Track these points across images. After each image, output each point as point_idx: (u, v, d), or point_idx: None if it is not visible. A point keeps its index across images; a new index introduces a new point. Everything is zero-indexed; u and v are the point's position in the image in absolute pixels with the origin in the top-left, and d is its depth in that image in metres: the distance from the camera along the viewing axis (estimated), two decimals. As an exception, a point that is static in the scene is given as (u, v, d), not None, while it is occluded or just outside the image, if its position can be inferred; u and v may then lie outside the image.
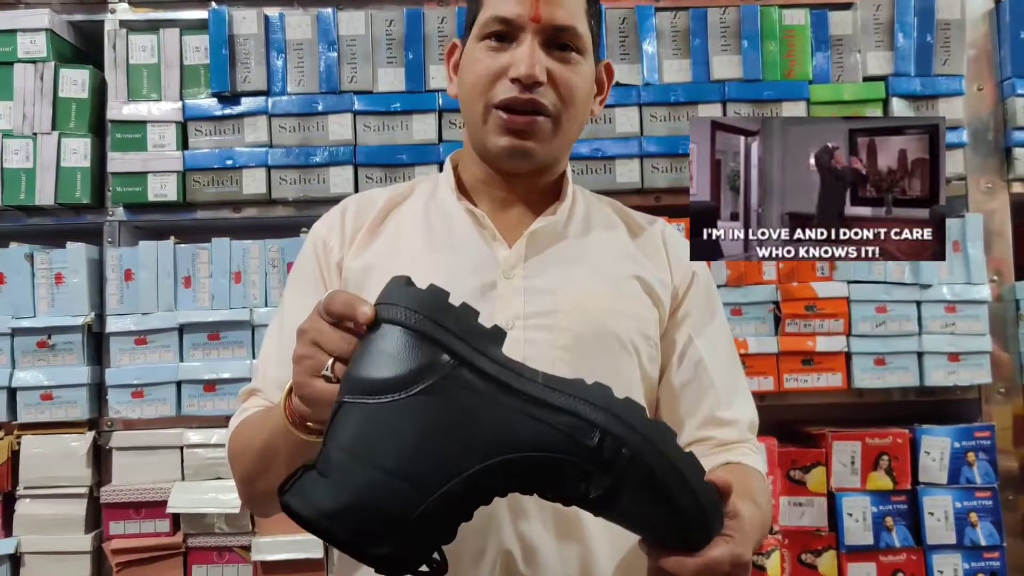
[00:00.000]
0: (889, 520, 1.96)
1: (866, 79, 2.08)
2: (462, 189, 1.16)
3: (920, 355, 2.02)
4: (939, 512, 1.96)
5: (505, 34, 1.07)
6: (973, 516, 1.96)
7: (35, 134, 2.04)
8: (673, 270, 1.17)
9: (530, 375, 0.77)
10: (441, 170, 1.23)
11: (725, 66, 2.06)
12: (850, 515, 1.95)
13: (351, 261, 1.11)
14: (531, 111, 1.06)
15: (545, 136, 1.08)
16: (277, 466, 0.93)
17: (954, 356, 2.02)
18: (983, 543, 1.95)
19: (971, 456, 1.98)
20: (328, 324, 0.80)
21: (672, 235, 1.22)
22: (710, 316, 1.18)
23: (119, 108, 2.06)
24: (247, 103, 2.05)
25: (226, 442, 1.09)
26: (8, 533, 1.98)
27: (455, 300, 0.78)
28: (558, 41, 1.07)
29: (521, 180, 1.14)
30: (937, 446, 1.98)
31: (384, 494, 0.72)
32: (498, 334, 0.79)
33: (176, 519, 1.97)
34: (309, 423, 0.87)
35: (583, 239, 1.15)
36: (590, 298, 1.08)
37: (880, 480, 1.97)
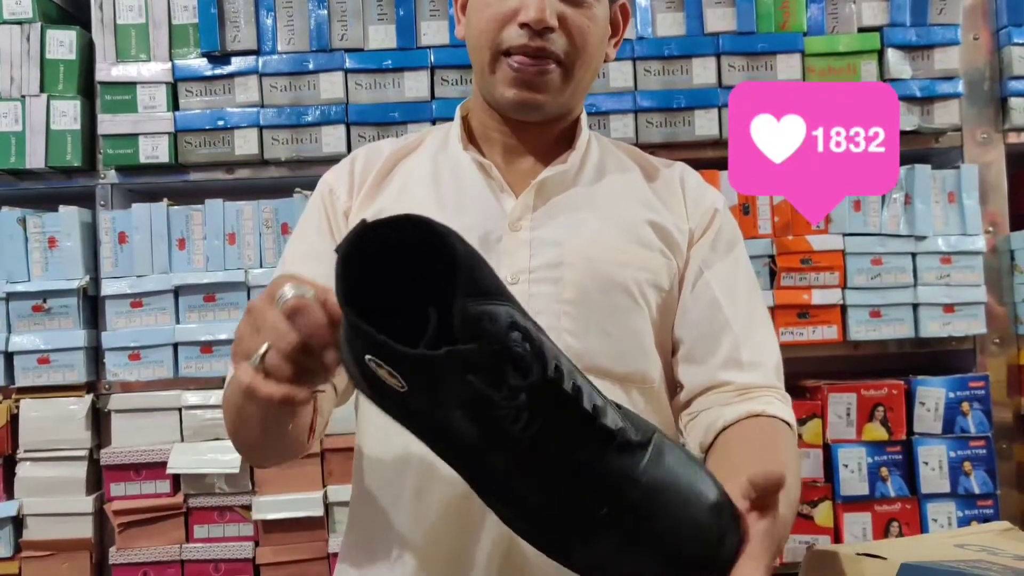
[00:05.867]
0: (884, 470, 1.98)
1: (861, 30, 2.06)
2: (472, 138, 1.13)
3: (915, 307, 2.03)
4: (933, 462, 1.98)
5: None
6: (967, 465, 1.98)
7: (23, 96, 2.01)
8: (690, 213, 1.12)
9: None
10: (434, 124, 1.21)
11: (719, 19, 2.04)
12: (846, 466, 1.97)
13: (358, 213, 1.07)
14: (541, 58, 1.01)
15: (555, 87, 1.04)
16: (249, 422, 0.90)
17: (949, 307, 2.03)
18: (977, 491, 1.97)
19: (965, 406, 1.99)
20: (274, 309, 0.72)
21: (691, 178, 1.17)
22: (726, 253, 1.12)
23: (108, 69, 2.04)
24: (237, 63, 2.03)
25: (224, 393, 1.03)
26: (9, 496, 1.99)
27: None
28: None
29: (532, 128, 1.10)
30: (932, 396, 2.00)
31: None
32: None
33: (176, 480, 1.99)
34: None
35: (594, 185, 1.11)
36: (598, 249, 1.04)
37: (875, 431, 1.99)
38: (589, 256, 1.04)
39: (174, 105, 2.04)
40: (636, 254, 1.06)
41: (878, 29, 2.06)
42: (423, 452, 0.99)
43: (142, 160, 2.03)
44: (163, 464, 1.95)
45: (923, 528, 1.98)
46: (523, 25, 1.00)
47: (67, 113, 2.02)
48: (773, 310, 1.99)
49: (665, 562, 0.69)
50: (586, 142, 1.13)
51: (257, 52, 2.04)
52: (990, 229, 2.07)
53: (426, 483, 1.00)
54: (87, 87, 2.08)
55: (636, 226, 1.08)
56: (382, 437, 1.05)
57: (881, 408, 1.99)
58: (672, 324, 1.09)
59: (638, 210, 1.10)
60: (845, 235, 2.01)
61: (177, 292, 2.01)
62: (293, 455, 1.03)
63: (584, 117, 1.15)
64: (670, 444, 0.72)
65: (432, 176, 1.10)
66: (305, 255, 1.08)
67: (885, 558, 0.78)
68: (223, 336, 1.98)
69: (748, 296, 1.11)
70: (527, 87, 1.03)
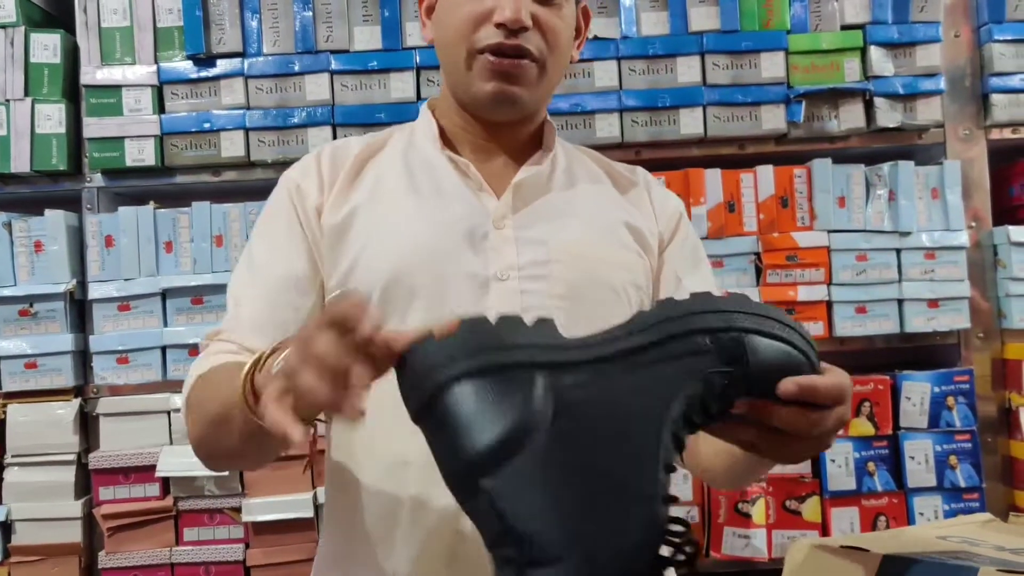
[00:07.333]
0: (871, 465, 1.99)
1: (844, 27, 2.07)
2: (443, 138, 1.14)
3: (900, 302, 2.04)
4: (920, 456, 1.99)
5: None
6: (953, 459, 1.99)
7: (8, 101, 2.01)
8: (658, 216, 1.17)
9: (607, 336, 0.71)
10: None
11: (703, 17, 2.05)
12: (833, 461, 1.98)
13: (330, 216, 1.07)
14: (516, 56, 1.03)
15: (531, 81, 1.05)
16: (230, 435, 0.90)
17: (933, 302, 2.04)
18: (963, 485, 1.99)
19: (951, 400, 2.01)
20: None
21: (653, 182, 1.23)
22: (697, 259, 1.19)
23: (92, 73, 2.03)
24: (223, 65, 2.03)
25: (186, 389, 1.02)
26: (-2, 501, 1.99)
27: (490, 313, 0.70)
28: None
29: (504, 128, 1.12)
30: (917, 391, 2.01)
31: (618, 533, 0.65)
32: (548, 322, 0.72)
33: (166, 483, 1.98)
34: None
35: (569, 191, 1.14)
36: (584, 247, 1.07)
37: (862, 426, 2.00)
38: (576, 254, 1.06)
39: (160, 108, 2.04)
40: (618, 254, 1.10)
41: (861, 27, 2.07)
42: (419, 466, 0.97)
43: (128, 163, 2.02)
44: (152, 467, 1.95)
45: (910, 522, 1.99)
46: (499, 25, 1.01)
47: (52, 117, 2.02)
48: (759, 307, 1.99)
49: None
50: (555, 143, 1.16)
51: (242, 54, 2.04)
52: (973, 224, 2.09)
53: (421, 499, 0.99)
54: (72, 90, 2.07)
55: (614, 228, 1.12)
56: (371, 448, 1.04)
57: (867, 403, 2.00)
58: None
59: (614, 212, 1.13)
60: (830, 232, 2.03)
61: (164, 295, 2.01)
62: (261, 466, 1.02)
63: (548, 119, 1.19)
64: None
65: (405, 172, 1.11)
66: (274, 251, 1.08)
67: (868, 550, 0.79)
68: (211, 338, 1.98)
69: None
70: (504, 79, 1.04)
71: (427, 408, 0.66)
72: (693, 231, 1.22)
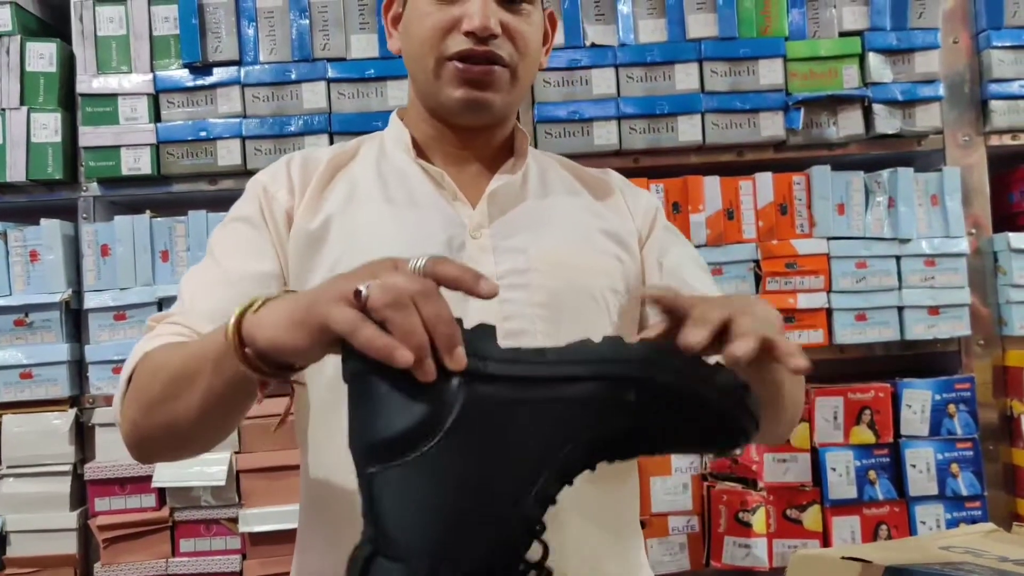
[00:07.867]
0: (872, 473, 1.98)
1: (842, 34, 2.07)
2: (415, 147, 1.13)
3: (900, 309, 2.03)
4: (921, 464, 1.98)
5: None
6: (954, 467, 1.98)
7: (3, 110, 2.00)
8: (634, 215, 1.18)
9: (537, 357, 0.69)
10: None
11: (701, 24, 2.05)
12: (833, 470, 1.97)
13: (302, 222, 1.06)
14: (487, 62, 1.03)
15: (503, 86, 1.06)
16: (188, 396, 0.85)
17: (934, 309, 2.03)
18: (964, 493, 1.97)
19: (952, 408, 2.00)
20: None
21: (624, 183, 1.24)
22: (676, 240, 1.20)
23: (88, 81, 2.03)
24: (219, 73, 2.02)
25: (128, 365, 0.95)
26: (-8, 513, 1.97)
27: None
28: None
29: (476, 136, 1.12)
30: (918, 399, 2.00)
31: (469, 552, 0.65)
32: (488, 330, 0.70)
33: (162, 493, 1.97)
34: (260, 357, 0.75)
35: (544, 199, 1.14)
36: (562, 256, 1.07)
37: (863, 434, 1.99)
38: (555, 262, 1.06)
39: (156, 116, 2.03)
40: (595, 260, 1.10)
41: (859, 33, 2.07)
42: None
43: (124, 172, 2.02)
44: (148, 478, 1.94)
45: (912, 531, 1.98)
46: (468, 33, 1.02)
47: (48, 126, 2.01)
48: (759, 315, 1.98)
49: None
50: (527, 149, 1.16)
51: (239, 63, 2.03)
52: (973, 231, 2.08)
53: None
54: (68, 99, 2.07)
55: (591, 234, 1.12)
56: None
57: (868, 411, 1.99)
58: (627, 326, 1.11)
59: (589, 218, 1.14)
60: (829, 239, 2.02)
61: (161, 304, 1.99)
62: (204, 449, 0.97)
63: (519, 125, 1.19)
64: None
65: (379, 181, 1.10)
66: (238, 249, 1.07)
67: (870, 562, 0.78)
68: (207, 348, 1.96)
69: (706, 274, 1.17)
70: (474, 86, 1.04)
71: (350, 382, 0.68)
72: (670, 224, 1.23)
